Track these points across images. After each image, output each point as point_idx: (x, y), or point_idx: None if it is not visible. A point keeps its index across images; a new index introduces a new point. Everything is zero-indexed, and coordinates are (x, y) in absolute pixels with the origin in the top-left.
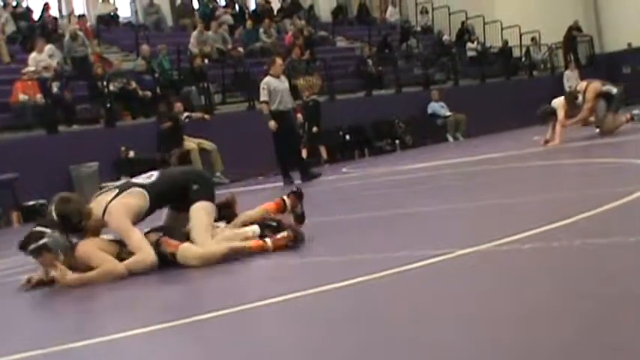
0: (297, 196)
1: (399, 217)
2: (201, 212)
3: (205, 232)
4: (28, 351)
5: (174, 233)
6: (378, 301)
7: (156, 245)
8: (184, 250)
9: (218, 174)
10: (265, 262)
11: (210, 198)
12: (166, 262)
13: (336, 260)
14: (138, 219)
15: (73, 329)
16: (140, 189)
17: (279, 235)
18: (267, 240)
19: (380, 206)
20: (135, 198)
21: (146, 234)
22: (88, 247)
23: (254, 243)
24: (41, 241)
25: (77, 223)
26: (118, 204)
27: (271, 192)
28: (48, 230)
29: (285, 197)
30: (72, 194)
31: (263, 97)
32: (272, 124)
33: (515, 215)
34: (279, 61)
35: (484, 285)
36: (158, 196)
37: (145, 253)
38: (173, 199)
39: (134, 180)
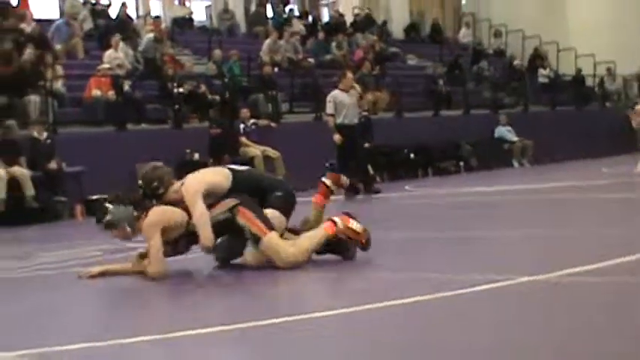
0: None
1: (461, 240)
2: (273, 219)
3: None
4: (94, 341)
5: (255, 209)
6: (432, 322)
7: (229, 210)
8: (274, 239)
9: None
10: (326, 275)
11: (286, 212)
12: (228, 230)
13: (396, 277)
14: (214, 197)
15: (123, 325)
16: (227, 170)
17: (355, 225)
18: (337, 220)
19: (442, 227)
20: (217, 175)
21: (225, 197)
22: (151, 226)
23: (325, 226)
24: (105, 218)
25: (156, 189)
26: (196, 176)
27: (331, 204)
28: (110, 206)
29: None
30: (162, 165)
31: (329, 109)
32: (337, 137)
33: (579, 246)
34: (349, 75)
35: (538, 315)
36: (240, 184)
37: (154, 266)
38: (252, 194)
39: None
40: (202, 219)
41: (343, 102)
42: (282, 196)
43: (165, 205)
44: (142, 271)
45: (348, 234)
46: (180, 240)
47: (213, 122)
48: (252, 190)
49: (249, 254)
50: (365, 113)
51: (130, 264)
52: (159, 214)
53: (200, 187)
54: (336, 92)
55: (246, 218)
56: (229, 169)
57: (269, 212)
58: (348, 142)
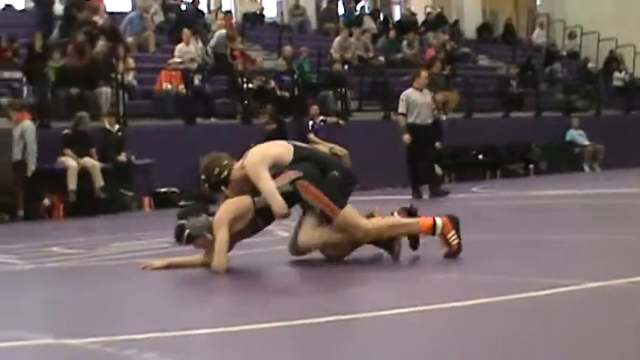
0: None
1: (528, 243)
2: None
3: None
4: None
5: (320, 182)
6: (495, 325)
7: (291, 182)
8: (347, 214)
9: None
10: (394, 274)
11: (344, 193)
12: (290, 201)
13: (462, 279)
14: (276, 169)
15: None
16: (288, 143)
17: (451, 235)
18: (438, 220)
19: (509, 230)
20: (278, 147)
21: (286, 168)
22: (218, 221)
23: (422, 221)
24: (185, 233)
25: (219, 175)
26: (258, 150)
27: (397, 204)
28: (185, 221)
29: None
30: (217, 152)
31: (401, 109)
32: (406, 137)
33: None
34: (424, 73)
35: (603, 322)
36: (300, 159)
37: (217, 259)
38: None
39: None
40: (269, 188)
41: (416, 101)
42: (339, 176)
43: (234, 185)
44: (205, 263)
45: (442, 241)
46: (256, 220)
47: (270, 118)
48: (312, 167)
49: (303, 233)
50: (435, 113)
51: (194, 257)
52: (224, 209)
53: (263, 159)
54: (409, 91)
55: (313, 195)
56: (291, 143)
57: None
58: (418, 142)
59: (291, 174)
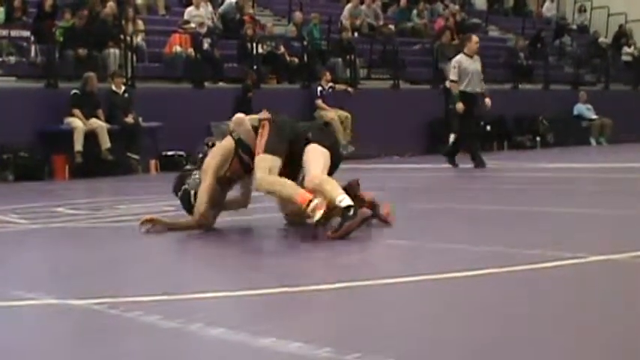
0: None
1: (535, 215)
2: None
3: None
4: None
5: (277, 130)
6: (496, 296)
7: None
8: (260, 160)
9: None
10: (397, 242)
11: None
12: None
13: (465, 250)
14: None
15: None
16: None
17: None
18: (316, 200)
19: (515, 201)
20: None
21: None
22: (204, 171)
23: (302, 194)
24: (191, 196)
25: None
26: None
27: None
28: (185, 186)
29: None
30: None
31: (452, 76)
32: (459, 106)
33: None
34: (474, 38)
35: (606, 295)
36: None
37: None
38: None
39: None
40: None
41: (467, 68)
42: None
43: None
44: (189, 226)
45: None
46: (241, 156)
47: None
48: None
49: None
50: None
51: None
52: (210, 155)
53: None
54: (460, 57)
55: (260, 135)
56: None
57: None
58: (469, 111)
59: (264, 114)
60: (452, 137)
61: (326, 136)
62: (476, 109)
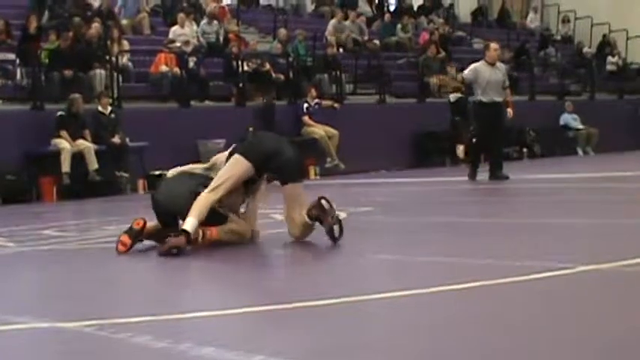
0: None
1: (523, 226)
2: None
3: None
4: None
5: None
6: (488, 308)
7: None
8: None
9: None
10: (388, 256)
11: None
12: None
13: (454, 263)
14: None
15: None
16: None
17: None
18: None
19: (503, 213)
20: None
21: None
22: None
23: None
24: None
25: None
26: None
27: (387, 188)
28: None
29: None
30: None
31: (466, 71)
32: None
33: None
34: (493, 45)
35: (595, 305)
36: None
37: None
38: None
39: None
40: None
41: (484, 76)
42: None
43: None
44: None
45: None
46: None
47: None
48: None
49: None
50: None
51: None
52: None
53: None
54: (478, 64)
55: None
56: None
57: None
58: (484, 121)
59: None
60: (460, 149)
61: (254, 147)
62: (496, 118)
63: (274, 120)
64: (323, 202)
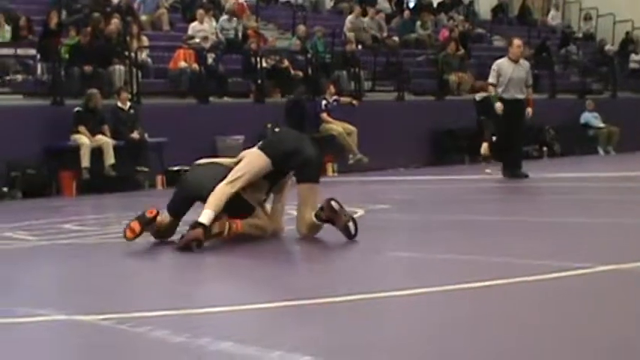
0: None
1: (542, 225)
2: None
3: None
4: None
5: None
6: (504, 307)
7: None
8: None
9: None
10: (406, 254)
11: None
12: None
13: (476, 260)
14: None
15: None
16: None
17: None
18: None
19: (521, 211)
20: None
21: None
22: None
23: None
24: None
25: None
26: None
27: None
28: None
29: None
30: None
31: (490, 78)
32: (498, 105)
33: None
34: (516, 42)
35: (615, 305)
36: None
37: None
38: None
39: None
40: None
41: (506, 73)
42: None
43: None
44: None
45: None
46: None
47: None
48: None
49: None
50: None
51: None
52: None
53: None
54: (501, 61)
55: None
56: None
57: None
58: (505, 118)
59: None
60: (484, 147)
61: (274, 144)
62: (516, 116)
63: (305, 116)
64: (333, 203)
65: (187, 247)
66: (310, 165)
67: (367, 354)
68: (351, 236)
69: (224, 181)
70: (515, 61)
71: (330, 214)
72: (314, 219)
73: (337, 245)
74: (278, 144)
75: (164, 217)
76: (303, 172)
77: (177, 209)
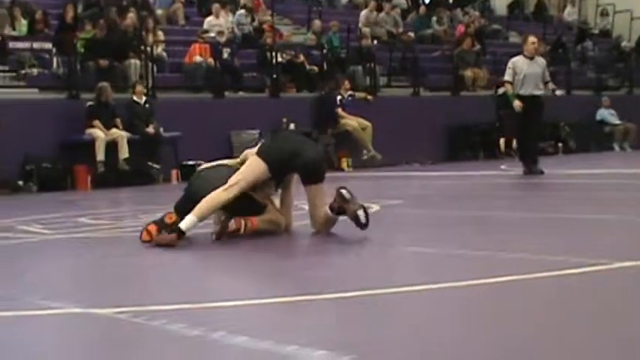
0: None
1: (557, 221)
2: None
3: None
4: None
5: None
6: (519, 303)
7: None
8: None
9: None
10: (421, 249)
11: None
12: None
13: (491, 256)
14: None
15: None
16: None
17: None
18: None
19: (536, 207)
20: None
21: None
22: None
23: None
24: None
25: None
26: None
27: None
28: None
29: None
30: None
31: (506, 76)
32: (517, 103)
33: None
34: (531, 38)
35: (632, 302)
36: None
37: None
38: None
39: None
40: None
41: (521, 70)
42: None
43: None
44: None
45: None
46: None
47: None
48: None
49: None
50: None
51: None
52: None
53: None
54: (517, 58)
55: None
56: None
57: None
58: (522, 115)
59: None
60: (502, 141)
61: (272, 150)
62: (533, 112)
63: (333, 111)
64: (343, 191)
65: (159, 245)
66: (312, 168)
67: (381, 349)
68: (361, 225)
69: (221, 187)
70: (531, 58)
71: (340, 203)
72: (328, 211)
73: (351, 240)
74: (276, 149)
75: (172, 216)
76: (306, 175)
77: (186, 210)
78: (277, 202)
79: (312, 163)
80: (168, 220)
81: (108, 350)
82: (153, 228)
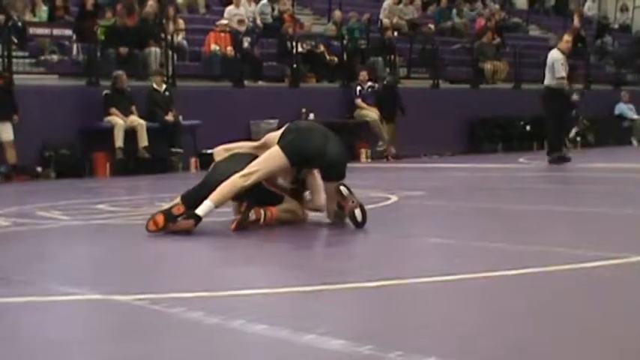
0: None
1: (576, 215)
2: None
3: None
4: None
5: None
6: (538, 295)
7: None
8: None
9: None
10: (441, 240)
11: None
12: None
13: (509, 248)
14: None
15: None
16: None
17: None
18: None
19: (555, 200)
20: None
21: None
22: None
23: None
24: None
25: None
26: None
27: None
28: None
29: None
30: None
31: (562, 72)
32: (575, 97)
33: None
34: (566, 37)
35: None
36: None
37: None
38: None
39: None
40: None
41: (557, 64)
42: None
43: None
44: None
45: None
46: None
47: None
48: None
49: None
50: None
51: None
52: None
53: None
54: (559, 54)
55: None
56: None
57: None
58: (560, 105)
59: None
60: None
61: (296, 146)
62: (565, 104)
63: (398, 100)
64: (342, 188)
65: (175, 232)
66: (336, 166)
67: (399, 339)
68: (358, 224)
69: (239, 173)
70: (565, 54)
71: (338, 199)
72: (337, 208)
73: (370, 230)
74: (299, 146)
75: (180, 208)
76: (328, 172)
77: (194, 203)
78: (307, 194)
79: (336, 161)
80: (176, 212)
81: (127, 337)
82: (160, 219)
